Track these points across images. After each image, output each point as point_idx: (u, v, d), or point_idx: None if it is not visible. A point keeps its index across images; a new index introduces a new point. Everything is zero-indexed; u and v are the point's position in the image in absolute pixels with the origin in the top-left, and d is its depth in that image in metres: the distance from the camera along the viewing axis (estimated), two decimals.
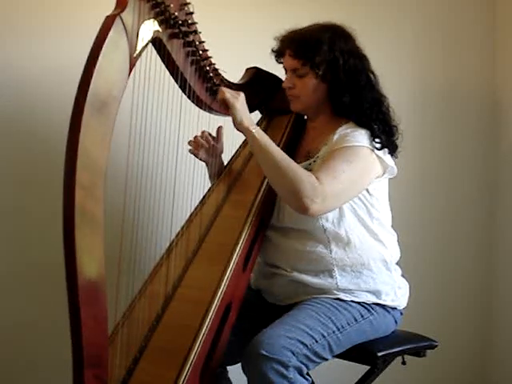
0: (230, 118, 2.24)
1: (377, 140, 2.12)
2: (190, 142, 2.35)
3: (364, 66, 2.21)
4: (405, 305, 2.26)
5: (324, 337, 2.00)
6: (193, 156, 2.34)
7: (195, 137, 2.33)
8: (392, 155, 2.19)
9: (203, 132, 2.34)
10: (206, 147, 2.35)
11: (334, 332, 2.03)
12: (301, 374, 1.92)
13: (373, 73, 2.23)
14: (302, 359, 1.93)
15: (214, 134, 2.38)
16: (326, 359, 2.03)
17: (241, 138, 2.38)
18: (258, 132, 2.07)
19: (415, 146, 3.10)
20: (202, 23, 1.91)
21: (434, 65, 3.29)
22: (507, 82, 3.29)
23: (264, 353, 1.86)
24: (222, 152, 2.41)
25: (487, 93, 3.36)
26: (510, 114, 3.27)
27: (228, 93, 2.09)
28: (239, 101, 2.10)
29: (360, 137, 2.11)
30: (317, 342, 1.97)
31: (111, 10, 1.60)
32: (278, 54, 2.30)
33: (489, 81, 3.37)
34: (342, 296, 2.13)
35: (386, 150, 2.15)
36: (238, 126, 2.10)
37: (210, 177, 2.43)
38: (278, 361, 1.87)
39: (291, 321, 2.00)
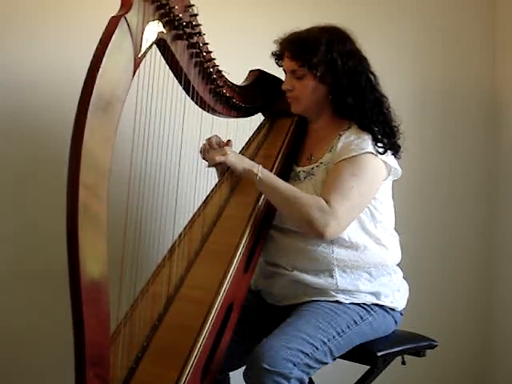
0: (232, 120, 2.26)
1: (379, 145, 2.13)
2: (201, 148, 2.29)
3: (363, 67, 2.21)
4: (403, 306, 2.26)
5: (325, 343, 2.00)
6: (196, 157, 2.32)
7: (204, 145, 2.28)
8: (395, 156, 2.20)
9: (209, 140, 2.26)
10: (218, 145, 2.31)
11: (334, 337, 2.03)
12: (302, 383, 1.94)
13: (373, 73, 2.23)
14: (303, 368, 1.93)
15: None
16: (327, 363, 2.04)
17: (243, 138, 2.39)
18: (261, 172, 2.10)
19: (415, 145, 3.09)
20: (205, 24, 1.91)
21: (434, 65, 3.29)
22: (507, 82, 3.30)
23: (265, 366, 1.86)
24: None
25: (487, 93, 3.36)
26: (510, 114, 3.28)
27: (216, 156, 2.12)
28: (228, 154, 2.12)
29: (364, 143, 2.11)
30: (317, 349, 1.98)
31: (112, 10, 1.60)
32: (278, 57, 2.31)
33: (489, 81, 3.37)
34: (341, 298, 2.13)
35: (389, 151, 2.16)
36: (241, 174, 2.14)
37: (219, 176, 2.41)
38: (279, 373, 1.87)
39: (291, 330, 1.99)
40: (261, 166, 2.11)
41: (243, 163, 2.13)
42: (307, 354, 1.94)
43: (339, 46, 2.17)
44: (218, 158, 2.12)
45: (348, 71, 2.17)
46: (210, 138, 2.25)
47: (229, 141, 2.26)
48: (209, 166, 2.19)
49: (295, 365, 1.90)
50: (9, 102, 2.52)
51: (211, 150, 2.18)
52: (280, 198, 2.09)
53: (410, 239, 2.89)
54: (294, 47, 2.20)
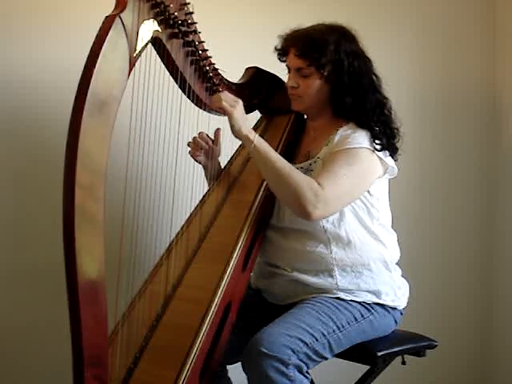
0: None
1: (377, 141, 2.12)
2: (189, 144, 2.33)
3: (368, 68, 2.21)
4: (405, 305, 2.26)
5: (324, 336, 2.00)
6: None
7: (194, 138, 2.31)
8: (392, 157, 2.19)
9: (200, 133, 2.31)
10: (205, 149, 2.33)
11: (334, 331, 2.03)
12: (301, 372, 1.92)
13: (376, 75, 2.22)
14: (302, 357, 1.93)
15: (212, 135, 2.35)
16: (326, 358, 2.03)
17: None
18: (257, 140, 2.07)
19: (415, 146, 3.10)
20: (201, 23, 1.91)
21: (434, 65, 3.29)
22: (507, 82, 3.30)
23: (264, 351, 1.87)
24: (219, 155, 2.39)
25: (487, 93, 3.37)
26: (510, 114, 3.28)
27: (224, 100, 2.07)
28: (237, 109, 2.07)
29: (361, 138, 2.11)
30: (317, 340, 1.97)
31: (111, 10, 1.60)
32: (282, 53, 2.28)
33: (489, 81, 3.37)
34: (342, 295, 2.13)
35: (387, 151, 2.15)
36: (237, 134, 2.09)
37: (207, 179, 2.41)
38: (278, 359, 1.87)
39: (292, 319, 2.00)
40: (258, 135, 2.08)
41: (243, 125, 2.08)
42: (306, 344, 1.94)
43: (346, 46, 2.17)
44: (225, 105, 2.06)
45: (353, 72, 2.16)
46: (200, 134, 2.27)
47: (218, 130, 2.27)
48: (210, 110, 2.14)
49: (294, 352, 1.90)
50: (9, 102, 2.52)
51: (224, 93, 2.11)
52: (272, 170, 2.05)
53: (410, 239, 2.90)
54: (303, 45, 2.18)
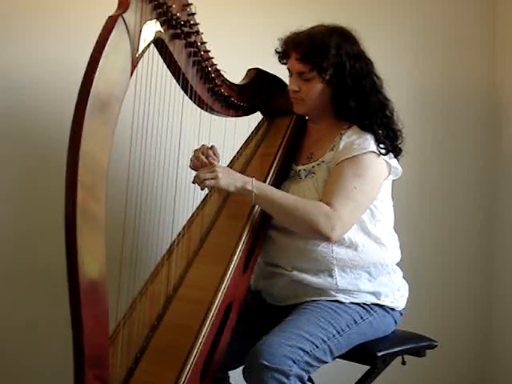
0: (230, 118, 2.25)
1: (381, 146, 2.12)
2: (191, 159, 2.26)
3: (369, 69, 2.20)
4: (403, 306, 2.26)
5: (324, 341, 2.00)
6: None
7: (195, 151, 2.25)
8: (396, 158, 2.19)
9: (202, 146, 2.25)
10: (205, 163, 2.31)
11: (334, 336, 2.03)
12: (302, 381, 1.93)
13: (377, 76, 2.22)
14: (303, 366, 1.93)
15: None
16: (327, 362, 2.04)
17: (241, 137, 2.39)
18: (255, 187, 2.07)
19: (415, 146, 3.08)
20: (203, 24, 1.91)
21: (434, 65, 3.29)
22: (507, 82, 3.30)
23: (265, 363, 1.86)
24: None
25: (487, 93, 3.36)
26: (510, 114, 3.28)
27: (204, 178, 2.04)
28: (219, 178, 2.05)
29: (366, 142, 2.11)
30: (317, 347, 1.97)
31: (113, 10, 1.60)
32: (283, 56, 2.27)
33: (489, 81, 3.37)
34: (341, 298, 2.13)
35: (391, 154, 2.16)
36: (236, 193, 2.09)
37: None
38: (279, 370, 1.87)
39: (291, 328, 1.99)
40: (254, 180, 2.08)
41: (235, 182, 2.07)
42: (307, 352, 1.94)
43: (347, 49, 2.16)
44: (209, 183, 2.05)
45: (355, 74, 2.15)
46: (196, 153, 2.21)
47: (212, 146, 2.22)
48: (201, 189, 2.12)
49: (295, 362, 1.90)
50: (9, 102, 2.52)
51: (199, 170, 2.09)
52: (280, 209, 2.08)
53: (410, 239, 2.90)
54: (304, 49, 2.16)
